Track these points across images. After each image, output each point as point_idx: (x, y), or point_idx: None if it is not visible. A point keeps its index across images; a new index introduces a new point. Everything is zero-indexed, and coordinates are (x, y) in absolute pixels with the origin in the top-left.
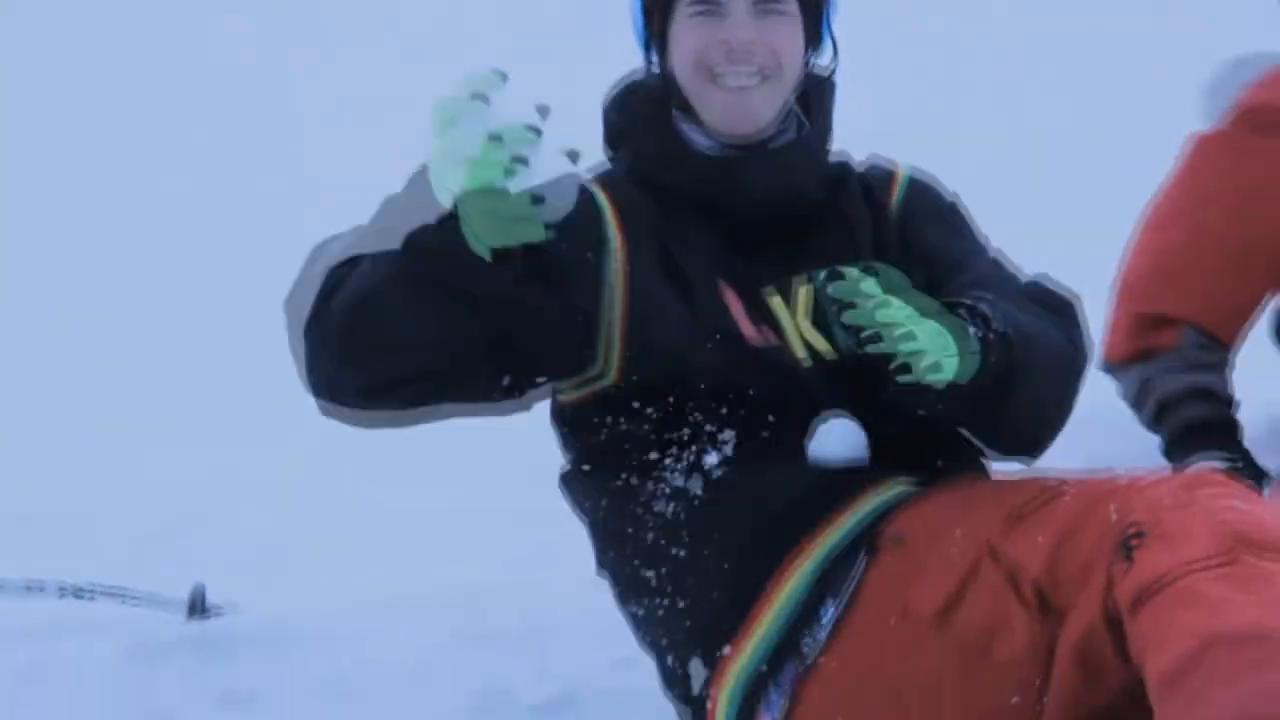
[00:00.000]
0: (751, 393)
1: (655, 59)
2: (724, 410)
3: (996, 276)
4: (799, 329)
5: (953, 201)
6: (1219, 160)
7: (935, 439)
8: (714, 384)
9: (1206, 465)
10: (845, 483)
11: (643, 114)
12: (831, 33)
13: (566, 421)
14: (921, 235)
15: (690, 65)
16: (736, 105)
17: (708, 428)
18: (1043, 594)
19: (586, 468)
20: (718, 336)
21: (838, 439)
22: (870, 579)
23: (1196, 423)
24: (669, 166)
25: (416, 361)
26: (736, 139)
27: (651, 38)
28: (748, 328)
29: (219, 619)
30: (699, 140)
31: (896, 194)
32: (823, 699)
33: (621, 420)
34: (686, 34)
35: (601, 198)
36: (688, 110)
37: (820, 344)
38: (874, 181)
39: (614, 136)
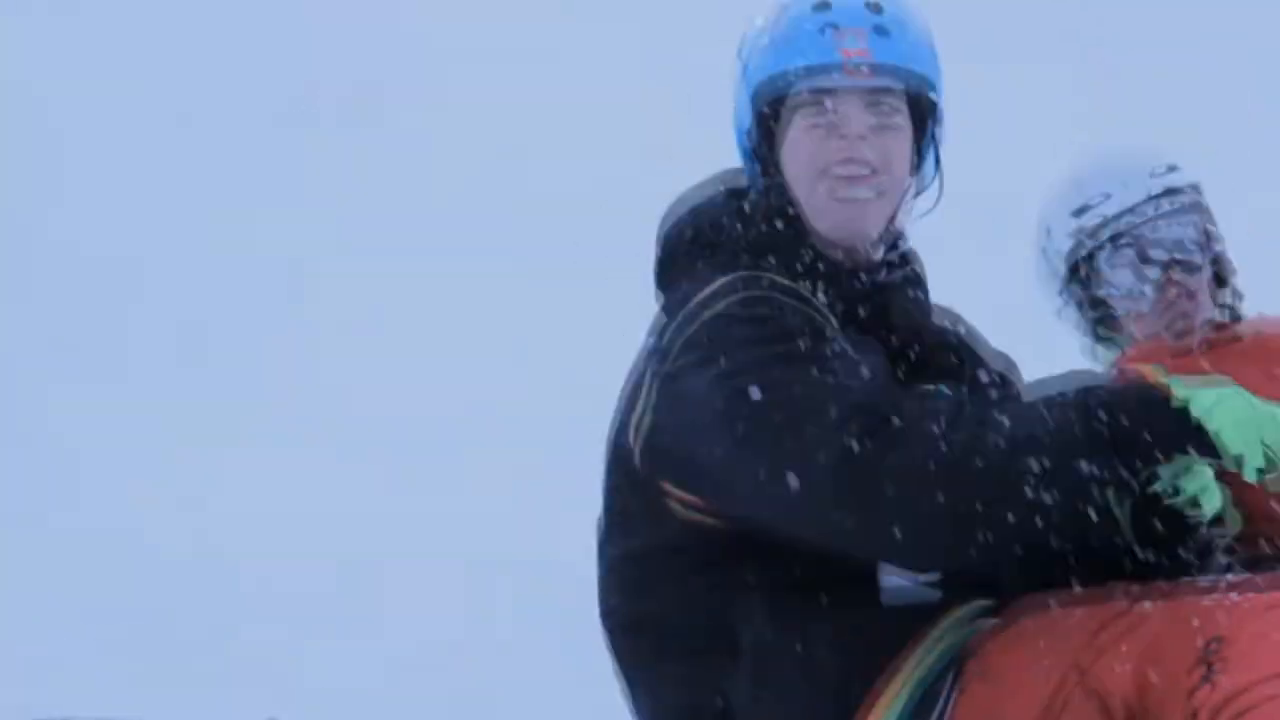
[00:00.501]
0: None
1: (758, 168)
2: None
3: None
4: None
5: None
6: None
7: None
8: None
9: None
10: (920, 611)
11: (775, 227)
12: (938, 151)
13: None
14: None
15: (810, 177)
16: (853, 219)
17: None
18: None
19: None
20: None
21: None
22: (959, 715)
23: None
24: (825, 285)
25: None
26: (840, 249)
27: (759, 147)
28: None
29: None
30: (835, 258)
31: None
32: None
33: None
34: (804, 145)
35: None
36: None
37: None
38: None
39: (745, 248)
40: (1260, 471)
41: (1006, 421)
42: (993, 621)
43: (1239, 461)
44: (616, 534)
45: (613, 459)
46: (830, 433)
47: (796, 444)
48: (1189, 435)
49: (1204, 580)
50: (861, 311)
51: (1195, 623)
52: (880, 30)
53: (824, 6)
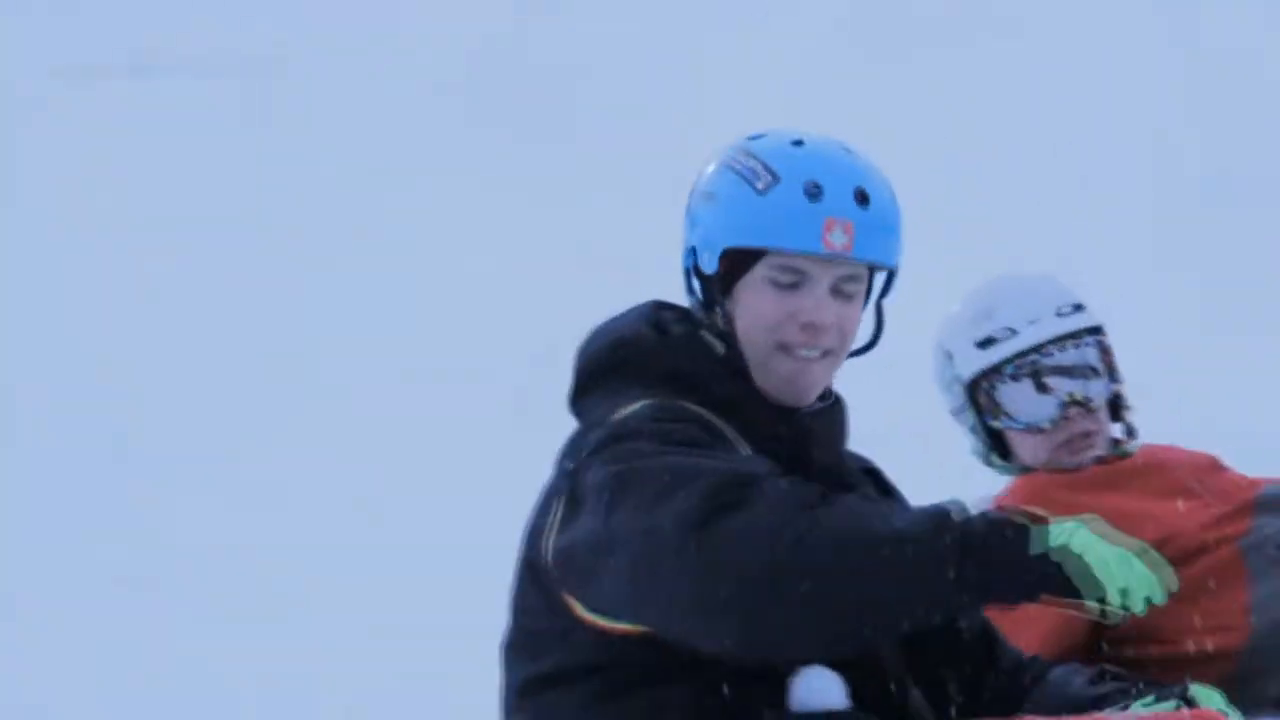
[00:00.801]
0: None
1: (702, 298)
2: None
3: None
4: None
5: None
6: None
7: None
8: None
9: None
10: None
11: (713, 363)
12: (880, 310)
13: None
14: None
15: (764, 334)
16: (799, 377)
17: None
18: None
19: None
20: None
21: (819, 690)
22: None
23: None
24: (747, 419)
25: None
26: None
27: (715, 285)
28: None
29: None
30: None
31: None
32: None
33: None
34: (764, 302)
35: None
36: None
37: None
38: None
39: (667, 377)
40: (1108, 613)
41: (860, 514)
42: None
43: (1093, 600)
44: (525, 654)
45: (522, 572)
46: (685, 505)
47: (651, 514)
48: (1040, 570)
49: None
50: (780, 446)
51: None
52: (865, 226)
53: (816, 195)
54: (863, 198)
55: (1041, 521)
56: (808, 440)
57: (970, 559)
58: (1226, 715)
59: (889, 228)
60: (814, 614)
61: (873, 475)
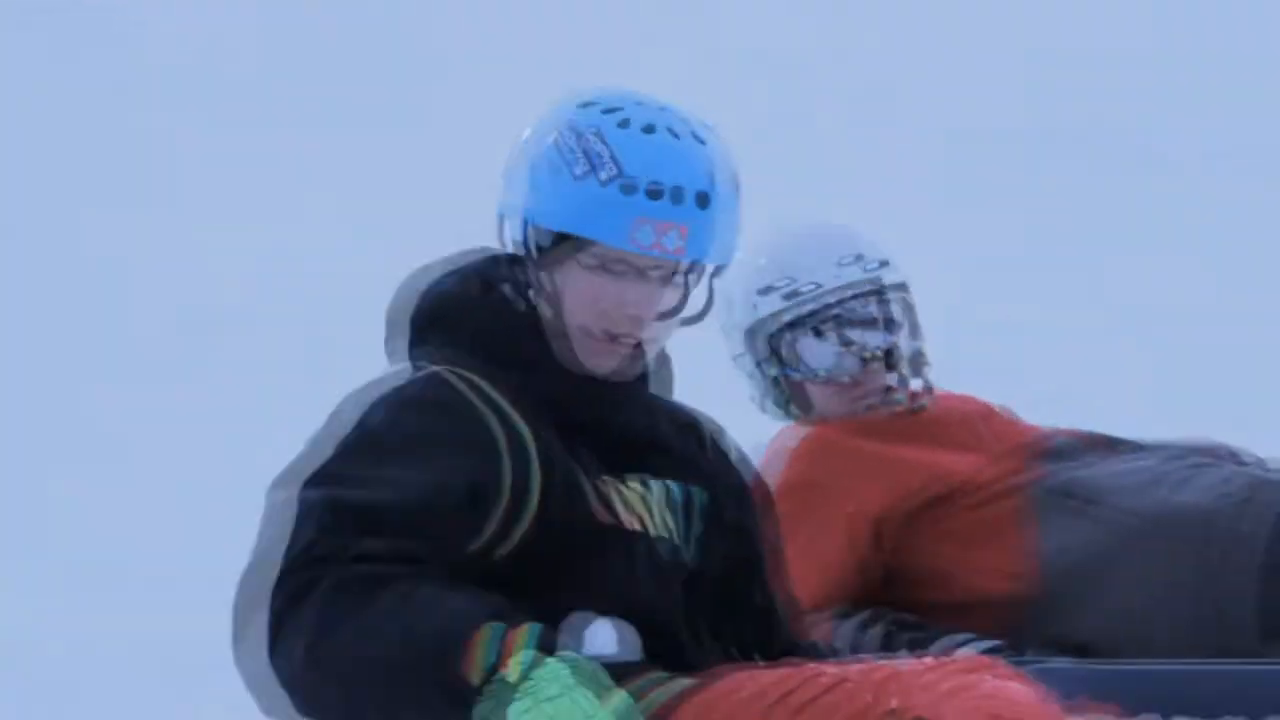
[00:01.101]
0: None
1: (521, 252)
2: None
3: None
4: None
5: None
6: None
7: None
8: None
9: (972, 649)
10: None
11: (513, 326)
12: (712, 288)
13: None
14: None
15: (591, 318)
16: (610, 359)
17: None
18: None
19: None
20: None
21: (605, 643)
22: None
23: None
24: (553, 388)
25: None
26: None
27: (542, 246)
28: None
29: None
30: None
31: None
32: None
33: None
34: (592, 286)
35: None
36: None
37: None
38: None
39: (478, 338)
40: None
41: (395, 620)
42: (686, 683)
43: None
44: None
45: None
46: (268, 568)
47: (261, 541)
48: None
49: (903, 658)
50: (580, 413)
51: (895, 697)
52: (702, 229)
53: (656, 194)
54: (704, 201)
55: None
56: (610, 409)
57: (454, 707)
58: (1000, 661)
59: (726, 228)
60: (346, 710)
61: (694, 429)
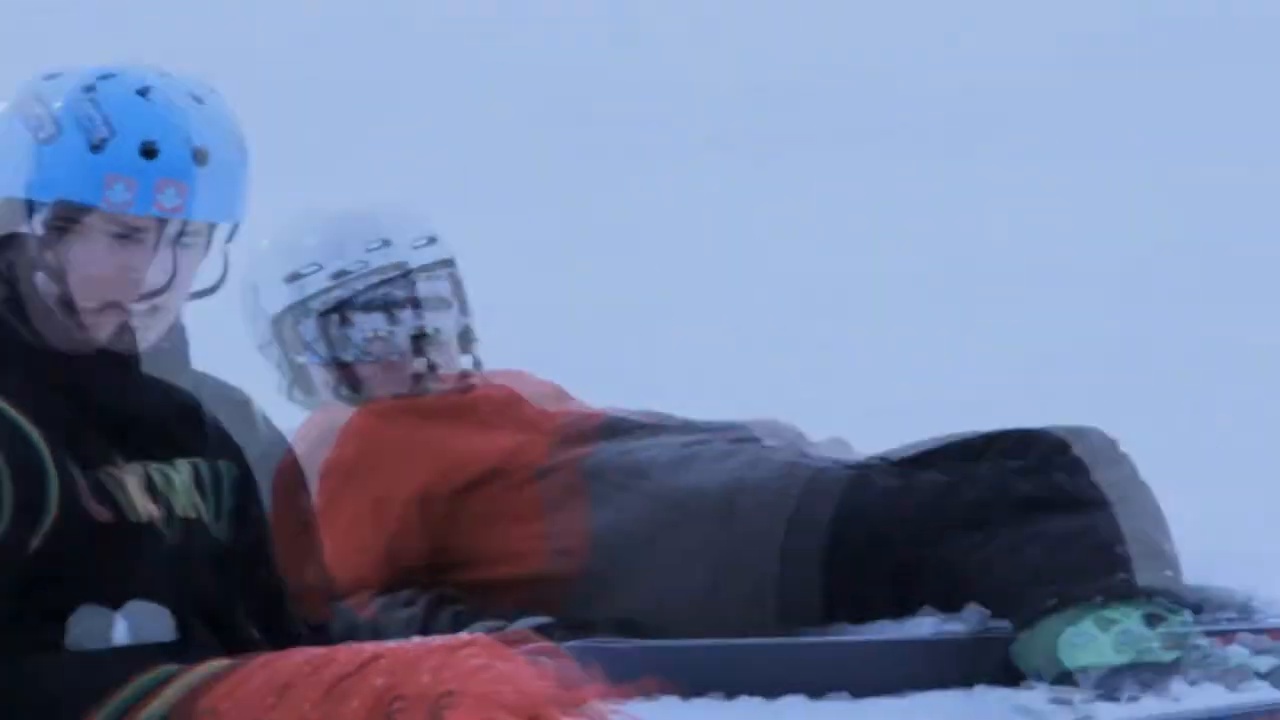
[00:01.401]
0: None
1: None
2: None
3: None
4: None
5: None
6: None
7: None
8: None
9: (522, 627)
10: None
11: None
12: (226, 256)
13: None
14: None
15: (96, 288)
16: (127, 331)
17: None
18: None
19: None
20: None
21: (119, 634)
22: None
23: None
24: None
25: None
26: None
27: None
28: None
29: None
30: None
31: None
32: None
33: None
34: (95, 256)
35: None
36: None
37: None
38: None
39: None
40: None
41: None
42: (223, 664)
43: None
44: None
45: None
46: None
47: None
48: None
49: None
50: (86, 398)
51: (426, 679)
52: (201, 186)
53: (150, 153)
54: (201, 157)
55: None
56: (116, 392)
57: None
58: (537, 635)
59: (229, 184)
60: None
61: (198, 409)
